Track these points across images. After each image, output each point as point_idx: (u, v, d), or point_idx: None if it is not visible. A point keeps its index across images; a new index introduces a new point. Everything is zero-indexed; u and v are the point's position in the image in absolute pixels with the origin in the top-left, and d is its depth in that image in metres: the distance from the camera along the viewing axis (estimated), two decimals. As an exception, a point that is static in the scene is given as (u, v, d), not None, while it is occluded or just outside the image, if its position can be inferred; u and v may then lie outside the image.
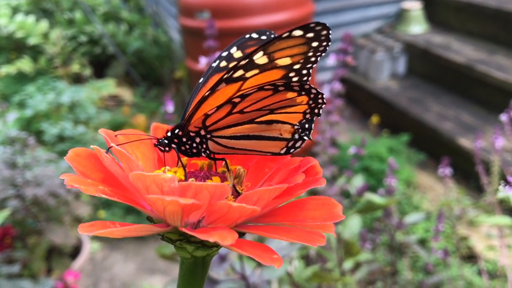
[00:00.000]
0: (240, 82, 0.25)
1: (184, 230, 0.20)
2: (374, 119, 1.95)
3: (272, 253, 0.20)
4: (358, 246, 0.67)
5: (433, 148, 1.70)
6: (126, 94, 2.37)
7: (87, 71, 2.27)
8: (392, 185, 0.84)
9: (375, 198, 0.69)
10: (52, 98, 1.72)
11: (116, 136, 0.26)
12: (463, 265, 1.18)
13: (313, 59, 0.25)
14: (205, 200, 0.20)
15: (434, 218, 1.16)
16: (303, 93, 0.25)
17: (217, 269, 0.49)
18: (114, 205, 1.52)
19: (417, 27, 2.15)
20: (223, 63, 0.28)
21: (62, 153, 1.58)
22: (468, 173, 1.50)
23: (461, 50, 1.87)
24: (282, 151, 0.27)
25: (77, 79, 2.31)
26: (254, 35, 0.28)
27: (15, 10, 2.27)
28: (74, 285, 0.96)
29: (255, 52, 0.24)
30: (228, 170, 0.26)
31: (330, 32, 0.25)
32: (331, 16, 2.20)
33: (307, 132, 0.27)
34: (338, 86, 0.67)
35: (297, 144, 0.27)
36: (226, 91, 0.25)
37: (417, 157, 1.69)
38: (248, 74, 0.25)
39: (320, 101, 0.26)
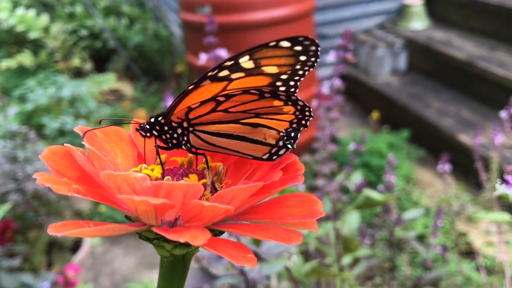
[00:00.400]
0: (226, 82, 0.25)
1: (155, 230, 0.19)
2: (375, 115, 1.95)
3: (246, 252, 0.19)
4: (357, 242, 0.67)
5: (433, 144, 1.70)
6: (127, 88, 2.37)
7: (88, 65, 2.27)
8: (391, 182, 0.84)
9: (374, 194, 0.70)
10: (52, 92, 1.72)
11: (95, 133, 0.26)
12: (462, 261, 1.18)
13: (300, 72, 0.25)
14: (178, 199, 0.19)
15: (433, 214, 1.16)
16: (289, 103, 0.25)
17: (216, 264, 0.49)
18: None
19: (418, 23, 2.14)
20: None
21: (63, 147, 1.58)
22: (468, 169, 1.51)
23: (462, 47, 1.87)
24: (264, 157, 0.26)
25: (77, 73, 2.31)
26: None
27: (15, 4, 2.27)
28: (74, 279, 0.97)
29: (240, 55, 0.24)
30: (208, 167, 0.26)
31: (319, 48, 0.25)
32: (332, 11, 2.20)
33: (292, 141, 0.26)
34: (338, 83, 0.67)
35: (281, 152, 0.26)
36: (211, 89, 0.25)
37: (417, 153, 1.70)
38: (233, 76, 0.25)
39: (307, 113, 0.26)
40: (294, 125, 0.26)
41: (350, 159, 0.81)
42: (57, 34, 2.15)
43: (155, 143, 0.27)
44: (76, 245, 1.22)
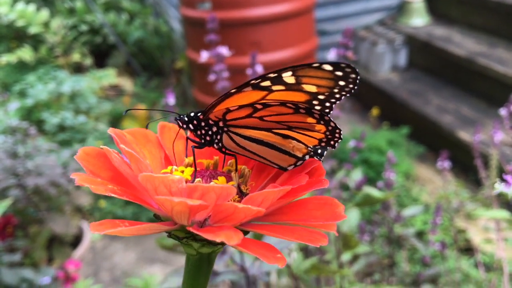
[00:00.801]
0: (266, 92, 0.26)
1: (191, 229, 0.20)
2: (375, 111, 1.95)
3: (276, 252, 0.20)
4: (356, 239, 0.67)
5: (433, 141, 1.71)
6: (127, 84, 2.37)
7: (88, 61, 2.27)
8: (391, 179, 0.85)
9: (374, 191, 0.70)
10: (52, 87, 1.72)
11: (124, 135, 0.27)
12: (461, 257, 1.19)
13: (337, 96, 0.26)
14: (211, 201, 0.20)
15: (433, 210, 1.17)
16: (322, 122, 0.26)
17: (217, 261, 0.49)
18: (114, 195, 1.52)
19: (418, 20, 2.14)
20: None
21: (63, 143, 1.59)
22: (467, 166, 1.51)
23: (462, 43, 1.87)
24: (289, 168, 0.27)
25: (77, 69, 2.31)
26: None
27: (15, -1, 2.26)
28: (75, 274, 0.97)
29: (284, 70, 0.25)
30: (236, 169, 0.27)
31: (359, 78, 0.25)
32: (333, 8, 2.20)
33: (319, 157, 0.27)
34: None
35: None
36: (251, 95, 0.26)
37: (417, 149, 1.70)
38: (274, 88, 0.26)
39: (337, 135, 0.27)
40: (323, 144, 0.27)
41: (350, 156, 0.81)
42: (57, 29, 2.15)
43: (186, 143, 0.28)
44: (76, 240, 1.23)
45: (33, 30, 2.08)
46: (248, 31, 1.63)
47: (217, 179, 0.25)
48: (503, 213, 0.67)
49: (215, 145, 0.28)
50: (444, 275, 0.93)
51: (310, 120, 0.26)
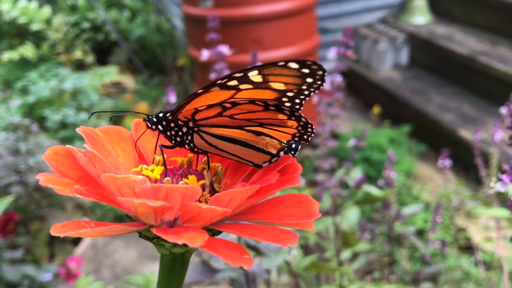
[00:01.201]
0: (233, 91, 0.26)
1: (154, 231, 0.20)
2: (376, 109, 1.95)
3: (243, 253, 0.20)
4: (356, 237, 0.68)
5: (434, 139, 1.71)
6: (129, 81, 2.37)
7: (90, 58, 2.27)
8: (391, 177, 0.85)
9: (373, 190, 0.70)
10: (54, 84, 1.72)
11: (96, 133, 0.26)
12: (461, 256, 1.19)
13: (306, 92, 0.26)
14: (176, 201, 0.20)
15: (433, 209, 1.17)
16: (293, 118, 0.26)
17: (217, 258, 0.50)
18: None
19: (420, 18, 2.14)
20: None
21: (65, 140, 1.59)
22: (468, 164, 1.51)
23: (464, 42, 1.87)
24: (264, 165, 0.27)
25: (79, 66, 2.31)
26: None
27: (18, -4, 2.27)
28: (76, 270, 0.98)
29: (250, 69, 0.25)
30: (208, 168, 0.27)
31: (326, 74, 0.26)
32: (334, 5, 2.19)
33: (293, 153, 0.27)
34: (338, 79, 0.68)
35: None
36: (219, 95, 0.26)
37: (418, 148, 1.70)
38: (241, 86, 0.26)
39: (309, 130, 0.26)
40: (296, 139, 0.27)
41: (350, 155, 0.81)
42: (59, 26, 2.15)
43: (157, 142, 0.27)
44: (78, 237, 1.23)
45: (35, 27, 2.08)
46: (250, 29, 1.63)
47: (188, 178, 0.25)
48: (503, 212, 0.67)
49: (186, 146, 0.28)
50: (444, 273, 0.93)
51: (281, 116, 0.26)
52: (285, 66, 0.25)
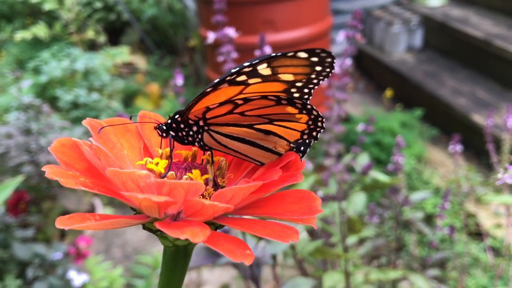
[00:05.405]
0: (242, 86, 0.26)
1: (157, 225, 0.20)
2: (388, 92, 1.93)
3: (245, 248, 0.20)
4: (361, 224, 0.67)
5: (447, 123, 1.69)
6: (140, 61, 2.37)
7: (102, 38, 2.27)
8: (399, 163, 0.84)
9: (380, 176, 0.70)
10: (66, 64, 1.72)
11: (102, 126, 0.26)
12: (470, 241, 1.18)
13: (315, 81, 0.26)
14: (180, 196, 0.20)
15: (443, 194, 1.16)
16: (304, 111, 0.26)
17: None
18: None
19: (435, 0, 2.10)
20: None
21: (76, 120, 1.60)
22: (481, 150, 1.49)
23: (480, 25, 1.83)
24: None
25: (91, 46, 2.31)
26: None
27: (30, -25, 2.26)
28: (86, 250, 0.99)
29: (259, 62, 0.25)
30: (212, 162, 0.27)
31: (335, 61, 0.25)
32: (348, -14, 2.16)
33: (301, 154, 0.27)
34: (348, 63, 0.67)
35: None
36: (228, 92, 0.26)
37: (430, 132, 1.68)
38: (250, 81, 0.26)
39: (319, 124, 0.26)
40: (305, 136, 0.27)
41: (359, 139, 0.80)
42: (71, 6, 2.15)
43: (171, 147, 0.27)
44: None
45: (47, 6, 2.08)
46: (261, 9, 1.61)
47: (191, 172, 0.25)
48: (513, 199, 0.66)
49: (196, 144, 0.28)
50: (453, 259, 0.93)
51: (291, 110, 0.26)
52: (294, 56, 0.25)
